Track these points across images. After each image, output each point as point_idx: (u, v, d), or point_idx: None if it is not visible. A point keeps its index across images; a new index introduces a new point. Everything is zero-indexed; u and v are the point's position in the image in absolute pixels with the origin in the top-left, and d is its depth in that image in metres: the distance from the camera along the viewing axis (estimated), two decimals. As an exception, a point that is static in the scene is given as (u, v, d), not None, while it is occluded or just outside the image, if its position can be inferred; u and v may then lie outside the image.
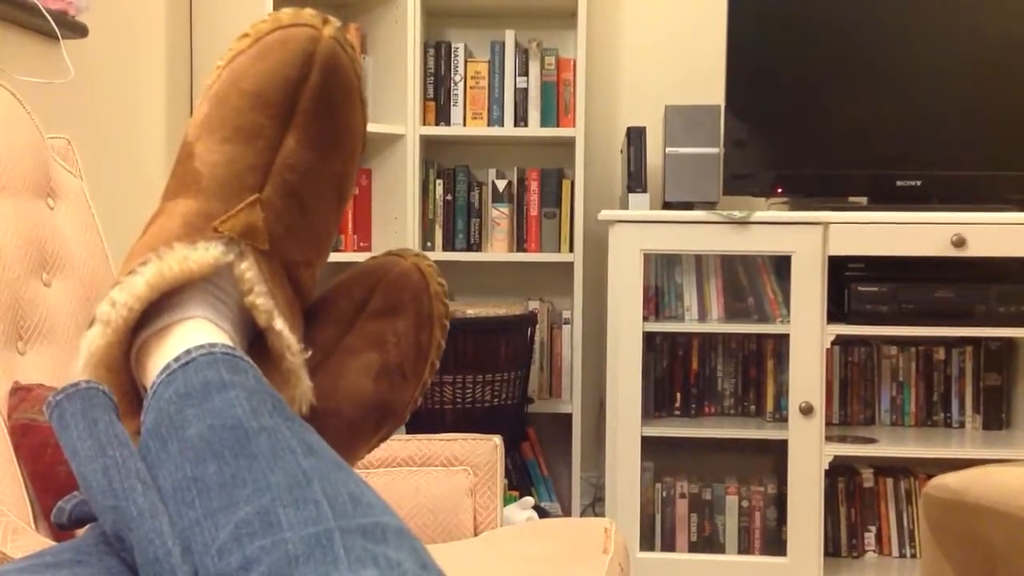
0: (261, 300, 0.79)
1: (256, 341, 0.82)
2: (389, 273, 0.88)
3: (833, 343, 2.54)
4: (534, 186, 3.01)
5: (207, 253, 0.77)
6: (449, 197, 3.02)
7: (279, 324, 0.79)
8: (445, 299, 0.89)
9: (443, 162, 3.07)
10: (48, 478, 1.20)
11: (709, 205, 2.58)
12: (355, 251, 2.93)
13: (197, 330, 0.76)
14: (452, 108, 2.99)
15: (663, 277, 2.76)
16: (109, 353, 0.77)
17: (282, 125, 0.80)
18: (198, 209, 0.79)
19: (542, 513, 2.53)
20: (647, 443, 2.58)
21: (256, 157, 0.80)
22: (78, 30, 1.97)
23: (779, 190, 2.67)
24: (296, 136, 0.80)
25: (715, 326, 2.71)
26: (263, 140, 0.80)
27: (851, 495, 2.76)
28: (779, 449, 2.59)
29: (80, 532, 0.72)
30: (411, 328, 0.87)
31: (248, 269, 0.79)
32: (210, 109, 0.81)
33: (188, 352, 0.72)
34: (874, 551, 2.76)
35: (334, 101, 0.81)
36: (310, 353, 0.82)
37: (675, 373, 2.81)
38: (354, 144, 0.85)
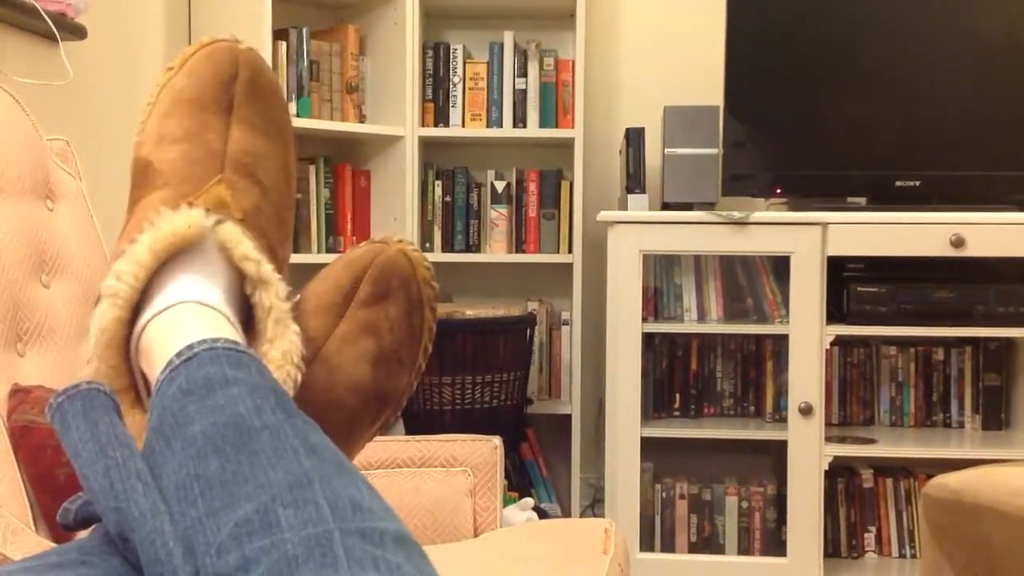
0: (248, 250, 0.82)
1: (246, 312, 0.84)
2: (376, 260, 0.88)
3: (832, 343, 2.54)
4: (533, 187, 3.01)
5: (193, 214, 0.81)
6: (448, 198, 3.02)
7: (266, 270, 0.82)
8: (433, 282, 0.90)
9: (442, 163, 3.07)
10: (48, 480, 1.20)
11: (708, 206, 2.58)
12: (354, 252, 2.93)
13: (196, 319, 0.77)
14: (451, 109, 2.99)
15: (662, 278, 2.76)
16: (119, 330, 0.78)
17: (225, 118, 0.87)
18: (169, 196, 0.84)
19: (542, 514, 2.52)
20: (646, 444, 2.58)
21: (210, 147, 0.86)
22: (77, 32, 1.97)
23: (778, 191, 2.67)
24: (239, 126, 0.87)
25: (714, 327, 2.71)
26: (212, 133, 0.86)
27: (851, 496, 2.76)
28: (779, 450, 2.59)
29: (84, 532, 0.72)
30: (403, 313, 0.88)
31: (231, 229, 0.82)
32: (155, 124, 0.87)
33: (190, 347, 0.73)
34: (874, 551, 2.76)
35: (264, 94, 0.89)
36: (298, 297, 0.86)
37: (674, 374, 2.81)
38: (289, 137, 0.92)
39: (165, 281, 0.80)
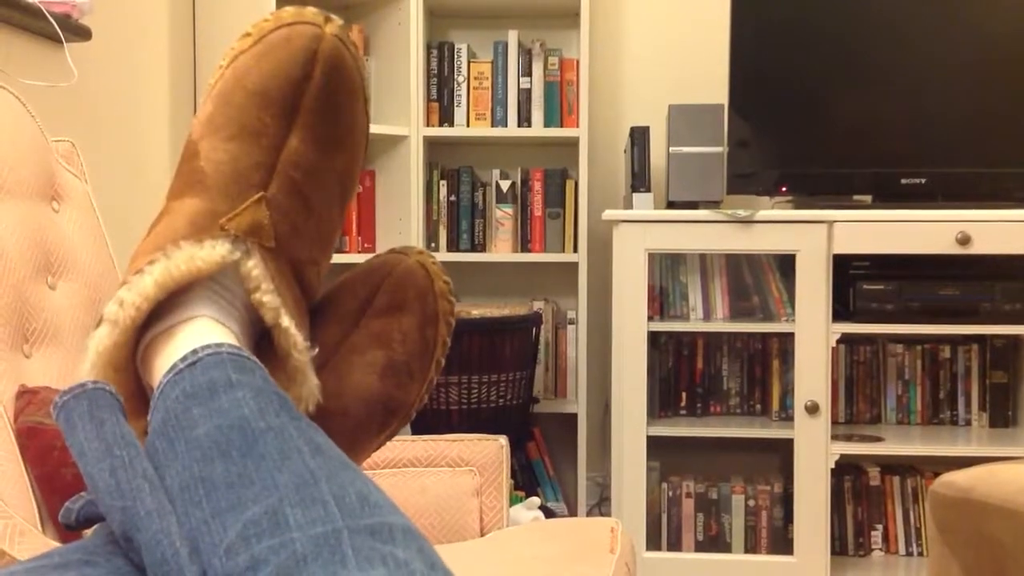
0: (268, 298, 0.79)
1: (262, 340, 0.82)
2: (394, 271, 0.87)
3: (839, 341, 2.53)
4: (538, 186, 3.01)
5: (214, 251, 0.77)
6: (453, 198, 3.02)
7: (285, 321, 0.79)
8: (450, 296, 0.89)
9: (447, 163, 3.07)
10: (54, 480, 1.20)
11: (713, 204, 2.58)
12: (359, 252, 2.93)
13: (204, 329, 0.76)
14: (455, 109, 2.99)
15: (668, 277, 2.75)
16: (116, 353, 0.77)
17: (286, 124, 0.80)
18: (204, 208, 0.79)
19: (548, 513, 2.53)
20: (653, 443, 2.58)
21: (260, 155, 0.80)
22: (82, 33, 1.97)
23: (783, 189, 2.67)
24: (300, 135, 0.80)
25: (720, 325, 2.71)
26: (267, 139, 0.80)
27: (857, 494, 2.76)
28: (785, 448, 2.59)
29: (88, 533, 0.72)
30: (416, 326, 0.87)
31: (255, 267, 0.79)
32: (214, 108, 0.81)
33: (195, 352, 0.72)
34: (881, 549, 2.75)
35: (337, 99, 0.81)
36: (316, 351, 0.82)
37: (680, 373, 2.81)
38: (357, 142, 0.85)
39: (179, 301, 0.78)
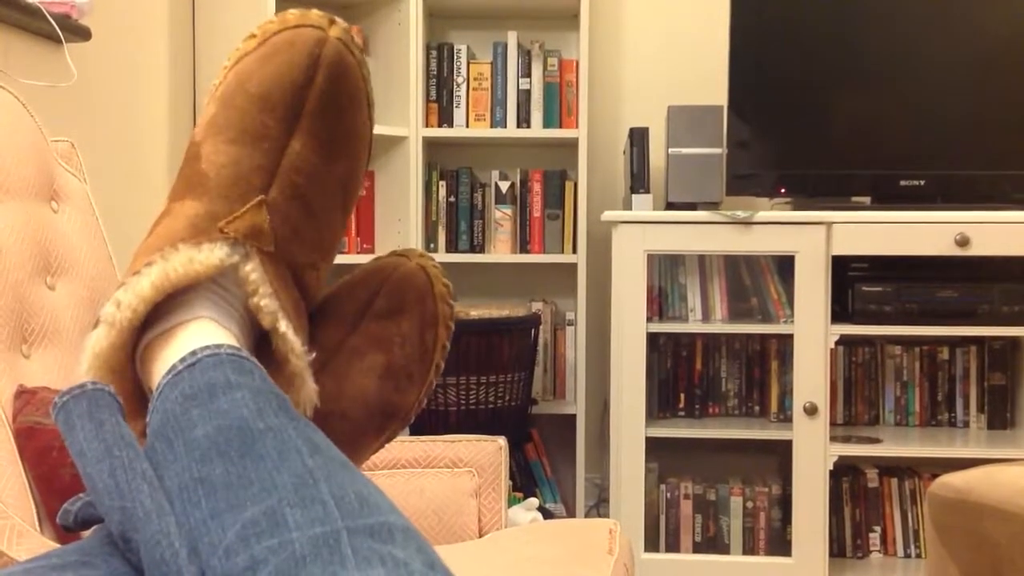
0: (266, 302, 0.79)
1: (261, 343, 0.82)
2: (394, 274, 0.87)
3: (837, 343, 2.54)
4: (537, 187, 3.01)
5: (212, 255, 0.77)
6: (452, 199, 3.02)
7: (283, 326, 0.79)
8: (450, 300, 0.89)
9: (446, 164, 3.07)
10: (53, 481, 1.20)
11: (712, 205, 2.58)
12: (358, 253, 2.93)
13: (202, 331, 0.76)
14: (455, 110, 2.99)
15: (666, 278, 2.76)
16: (113, 355, 0.77)
17: (288, 128, 0.80)
18: (204, 211, 0.79)
19: (546, 514, 2.53)
20: (651, 444, 2.58)
21: (262, 159, 0.80)
22: (81, 33, 1.97)
23: (782, 190, 2.67)
24: (302, 139, 0.80)
25: (719, 326, 2.71)
26: (269, 142, 0.80)
27: (856, 495, 2.76)
28: (783, 449, 2.59)
29: (85, 534, 0.72)
30: (416, 329, 0.87)
31: (253, 271, 0.79)
32: (217, 110, 0.81)
33: (194, 353, 0.72)
34: (879, 551, 2.75)
35: (340, 104, 0.81)
36: (314, 355, 0.82)
37: (679, 374, 2.81)
38: (360, 147, 0.85)
39: (176, 304, 0.78)
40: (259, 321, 0.79)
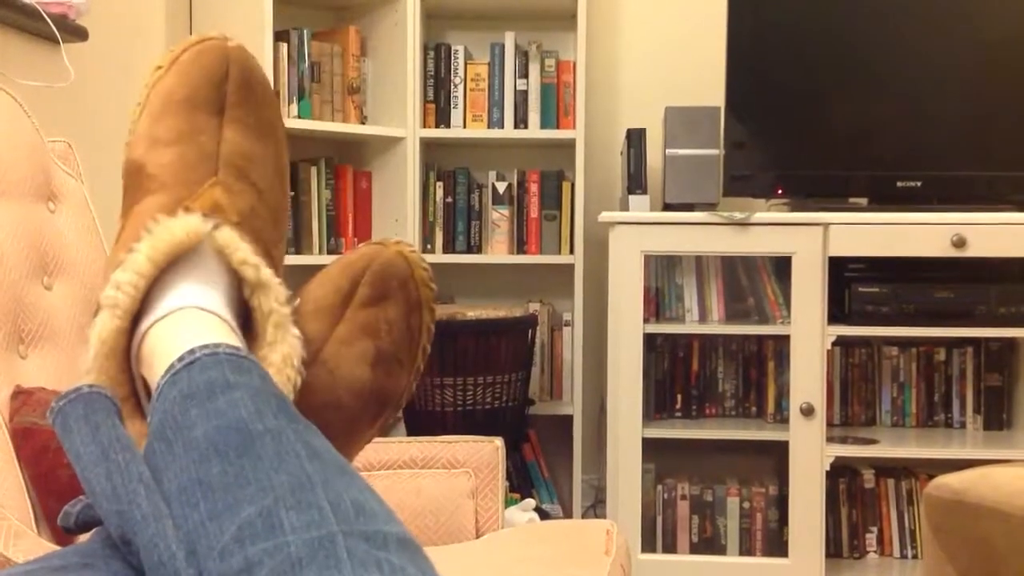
0: (247, 255, 0.82)
1: (247, 321, 0.84)
2: (374, 262, 0.88)
3: (834, 344, 2.54)
4: (534, 188, 3.02)
5: (190, 222, 0.81)
6: (449, 199, 3.02)
7: (266, 274, 0.82)
8: (431, 284, 0.91)
9: (443, 164, 3.07)
10: (49, 481, 1.20)
11: (709, 206, 2.58)
12: (355, 253, 2.93)
13: (196, 323, 0.77)
14: (452, 110, 2.99)
15: (663, 278, 2.76)
16: (119, 339, 0.78)
17: (217, 120, 0.86)
18: (166, 199, 0.83)
19: (543, 515, 2.53)
20: (648, 445, 2.58)
21: (203, 149, 0.85)
22: (78, 33, 1.97)
23: (779, 191, 2.67)
24: (232, 127, 0.86)
25: (716, 327, 2.71)
26: (205, 135, 0.85)
27: (852, 496, 2.76)
28: (780, 450, 2.59)
29: (85, 536, 0.72)
30: (401, 314, 0.88)
31: (229, 233, 0.82)
32: (148, 125, 0.86)
33: (192, 352, 0.73)
34: (876, 552, 2.76)
35: (256, 91, 0.88)
36: (298, 302, 0.85)
37: (676, 374, 2.81)
38: (281, 132, 0.91)
39: (165, 288, 0.80)
40: (243, 277, 0.82)
